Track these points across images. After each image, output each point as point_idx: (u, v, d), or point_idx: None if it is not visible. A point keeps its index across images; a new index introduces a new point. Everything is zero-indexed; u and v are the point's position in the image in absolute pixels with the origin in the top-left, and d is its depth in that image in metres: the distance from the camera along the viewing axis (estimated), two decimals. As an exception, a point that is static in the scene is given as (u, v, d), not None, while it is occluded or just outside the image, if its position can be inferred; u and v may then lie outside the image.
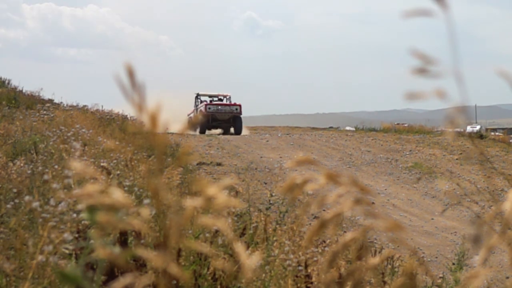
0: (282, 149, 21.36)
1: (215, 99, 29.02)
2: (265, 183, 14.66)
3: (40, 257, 2.09)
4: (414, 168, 19.73)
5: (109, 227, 0.72)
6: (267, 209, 4.72)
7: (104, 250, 0.71)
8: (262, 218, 4.39)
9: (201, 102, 28.97)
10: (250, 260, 0.71)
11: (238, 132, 26.19)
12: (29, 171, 4.09)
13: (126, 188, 3.82)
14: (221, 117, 26.40)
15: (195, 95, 29.55)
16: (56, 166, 4.12)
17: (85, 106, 16.84)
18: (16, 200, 3.16)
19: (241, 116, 27.09)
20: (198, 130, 26.18)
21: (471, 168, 19.44)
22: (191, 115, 28.85)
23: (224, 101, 28.52)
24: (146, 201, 2.60)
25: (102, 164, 3.86)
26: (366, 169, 19.21)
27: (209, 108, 26.70)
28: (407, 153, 22.35)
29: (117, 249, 0.72)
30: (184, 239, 0.73)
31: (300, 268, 3.16)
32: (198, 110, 27.90)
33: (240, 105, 27.09)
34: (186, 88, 38.01)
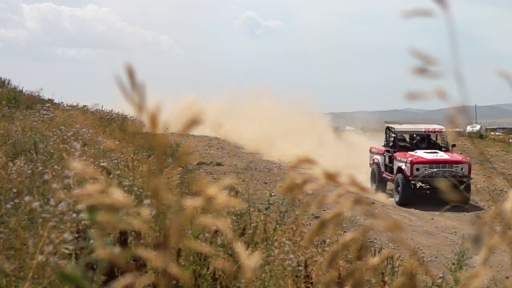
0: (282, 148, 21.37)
1: (418, 137, 17.82)
2: (265, 183, 14.66)
3: (40, 257, 2.09)
4: (414, 168, 19.71)
5: (109, 227, 0.72)
6: (266, 209, 4.71)
7: (104, 250, 0.71)
8: (262, 218, 4.39)
9: (394, 140, 17.76)
10: (250, 260, 0.71)
11: (464, 201, 14.63)
12: (29, 171, 4.09)
13: (126, 188, 3.82)
14: (437, 184, 12.87)
15: (385, 127, 18.83)
16: (56, 166, 4.12)
17: (85, 106, 16.85)
18: (16, 200, 3.16)
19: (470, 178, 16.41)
20: (391, 193, 16.94)
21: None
22: (377, 158, 18.41)
23: (438, 141, 17.96)
24: (146, 201, 2.60)
25: (102, 164, 3.86)
26: (366, 169, 19.21)
27: (417, 170, 16.01)
28: (407, 153, 22.33)
29: (117, 249, 0.72)
30: (184, 239, 0.73)
31: (300, 268, 3.16)
32: (396, 164, 16.84)
33: (469, 163, 16.48)
34: (186, 88, 34.60)
